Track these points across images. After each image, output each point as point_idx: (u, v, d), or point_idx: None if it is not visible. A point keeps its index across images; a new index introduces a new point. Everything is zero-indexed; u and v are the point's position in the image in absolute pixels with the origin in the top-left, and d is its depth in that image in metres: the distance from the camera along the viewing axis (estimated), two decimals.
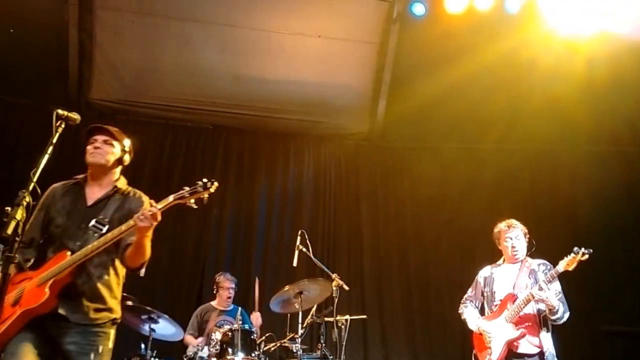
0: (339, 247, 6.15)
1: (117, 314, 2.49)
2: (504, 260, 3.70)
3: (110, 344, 2.44)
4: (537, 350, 3.35)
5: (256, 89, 6.23)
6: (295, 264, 4.50)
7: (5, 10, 5.26)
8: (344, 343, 4.34)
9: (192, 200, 2.31)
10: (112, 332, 2.46)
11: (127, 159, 2.65)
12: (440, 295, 6.02)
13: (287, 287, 4.35)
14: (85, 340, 2.34)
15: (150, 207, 2.28)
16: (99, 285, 2.42)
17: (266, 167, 6.37)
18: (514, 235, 3.60)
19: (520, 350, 3.37)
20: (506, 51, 5.77)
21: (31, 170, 2.27)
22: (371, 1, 5.78)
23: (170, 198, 2.30)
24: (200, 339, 4.61)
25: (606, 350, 5.63)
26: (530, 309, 3.42)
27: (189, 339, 4.73)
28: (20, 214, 1.98)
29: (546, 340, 3.38)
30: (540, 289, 3.27)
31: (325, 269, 4.56)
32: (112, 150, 2.57)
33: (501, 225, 3.67)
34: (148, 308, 4.20)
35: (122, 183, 2.65)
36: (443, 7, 5.49)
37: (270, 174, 6.35)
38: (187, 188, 2.31)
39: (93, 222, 2.45)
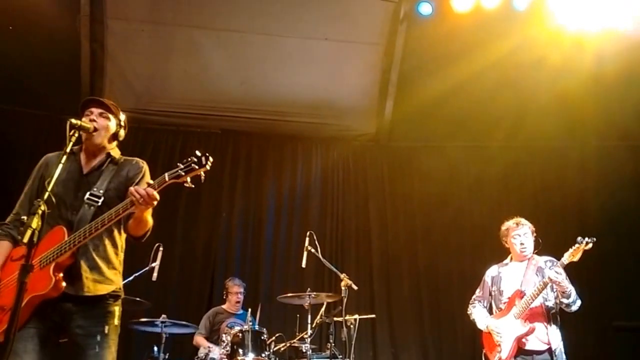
0: (348, 247, 6.20)
1: (117, 285, 2.40)
2: (511, 259, 3.71)
3: (116, 321, 2.37)
4: (546, 346, 3.36)
5: (264, 93, 6.31)
6: (304, 265, 4.55)
7: (18, 22, 5.39)
8: (353, 342, 4.37)
9: (189, 179, 2.19)
10: (117, 309, 2.39)
11: (122, 134, 2.57)
12: (450, 293, 6.03)
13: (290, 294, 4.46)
14: (89, 323, 2.29)
15: (146, 188, 2.18)
16: (96, 257, 2.35)
17: (274, 169, 6.45)
18: (522, 232, 3.61)
19: (529, 347, 3.37)
20: (513, 49, 5.74)
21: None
22: (377, 2, 5.79)
23: (166, 177, 2.19)
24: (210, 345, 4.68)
25: (616, 345, 5.58)
26: (539, 304, 3.43)
27: (200, 339, 4.84)
28: (36, 222, 1.98)
29: (555, 336, 3.39)
30: (557, 272, 3.28)
31: (334, 269, 4.62)
32: (108, 124, 2.49)
33: (509, 223, 3.68)
34: (160, 319, 4.30)
35: (116, 152, 2.56)
36: (450, 6, 5.47)
37: (279, 177, 6.43)
38: (181, 165, 2.18)
39: (88, 194, 2.37)
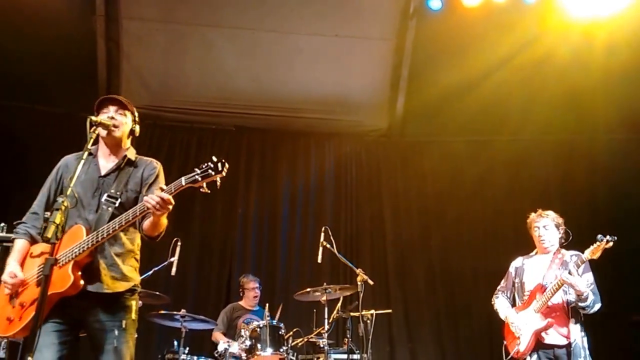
0: (362, 242, 6.22)
1: (135, 281, 2.46)
2: (536, 252, 3.63)
3: (134, 315, 2.42)
4: (565, 341, 3.31)
5: (276, 90, 6.35)
6: (319, 260, 4.55)
7: (35, 22, 5.46)
8: (370, 338, 4.37)
9: (205, 184, 2.21)
10: (134, 303, 2.44)
11: (137, 129, 2.64)
12: (466, 287, 6.03)
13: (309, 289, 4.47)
14: (108, 318, 2.33)
15: (160, 194, 2.20)
16: (114, 255, 2.40)
17: (288, 165, 6.49)
18: (542, 224, 3.54)
19: (548, 341, 3.34)
20: (523, 42, 5.74)
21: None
22: None
23: (183, 181, 2.21)
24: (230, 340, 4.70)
25: (637, 340, 5.53)
26: (559, 299, 3.37)
27: (218, 335, 4.86)
28: (59, 218, 2.03)
29: (575, 331, 3.32)
30: (570, 273, 3.22)
31: (350, 264, 4.60)
32: (125, 121, 2.56)
33: (532, 214, 3.62)
34: (180, 313, 4.33)
35: (132, 153, 2.60)
36: (459, 0, 5.47)
37: (292, 173, 6.46)
38: (197, 170, 2.20)
39: (105, 196, 2.42)
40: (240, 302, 5.16)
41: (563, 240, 3.55)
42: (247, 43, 6.06)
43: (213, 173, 2.18)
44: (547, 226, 3.54)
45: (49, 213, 2.35)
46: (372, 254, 6.17)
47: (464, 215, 6.29)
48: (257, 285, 5.14)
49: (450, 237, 6.24)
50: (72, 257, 2.27)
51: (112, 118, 2.51)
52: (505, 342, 3.57)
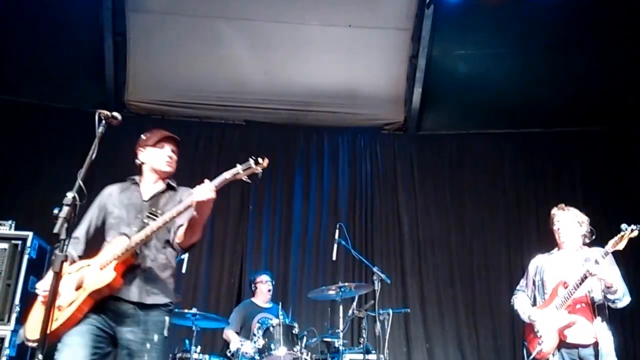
0: (378, 239, 6.03)
1: (170, 298, 2.55)
2: (558, 249, 3.52)
3: (166, 332, 2.50)
4: (591, 340, 3.17)
5: (288, 83, 6.18)
6: (334, 257, 4.48)
7: (43, 17, 5.39)
8: (387, 337, 4.27)
9: (246, 177, 2.41)
10: (167, 319, 2.52)
11: None
12: (485, 285, 5.84)
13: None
14: (141, 330, 2.41)
15: (206, 183, 2.36)
16: (152, 267, 2.51)
17: (300, 160, 6.32)
18: (561, 218, 3.43)
19: (571, 340, 3.20)
20: (546, 31, 5.54)
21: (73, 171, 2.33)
22: None
23: (227, 175, 2.40)
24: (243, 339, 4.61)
25: None
26: (583, 295, 3.24)
27: (231, 333, 4.75)
28: (68, 213, 2.05)
29: (602, 330, 3.17)
30: (597, 262, 3.06)
31: (365, 262, 4.54)
32: (176, 159, 2.79)
33: (553, 209, 3.52)
34: (192, 311, 4.24)
35: (173, 181, 2.80)
36: None
37: (305, 168, 6.29)
38: (239, 166, 2.40)
39: (147, 212, 2.56)
40: (253, 299, 5.03)
41: (587, 239, 3.41)
42: (257, 35, 5.92)
43: (254, 166, 2.38)
44: (567, 221, 3.42)
45: (58, 208, 2.32)
46: (388, 251, 5.99)
47: (483, 210, 6.10)
48: (269, 279, 5.02)
49: (469, 233, 6.05)
50: (114, 258, 2.39)
51: (171, 157, 2.74)
52: (525, 343, 3.45)
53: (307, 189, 6.19)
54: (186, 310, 4.24)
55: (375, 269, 4.26)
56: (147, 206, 2.61)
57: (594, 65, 5.68)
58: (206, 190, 2.34)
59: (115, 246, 2.44)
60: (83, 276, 2.43)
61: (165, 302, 2.51)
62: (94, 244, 2.65)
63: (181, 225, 2.51)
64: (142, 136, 2.78)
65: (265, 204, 6.09)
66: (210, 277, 5.74)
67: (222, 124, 6.37)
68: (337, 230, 4.45)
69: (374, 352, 4.33)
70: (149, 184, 2.72)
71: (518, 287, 3.68)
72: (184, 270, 4.27)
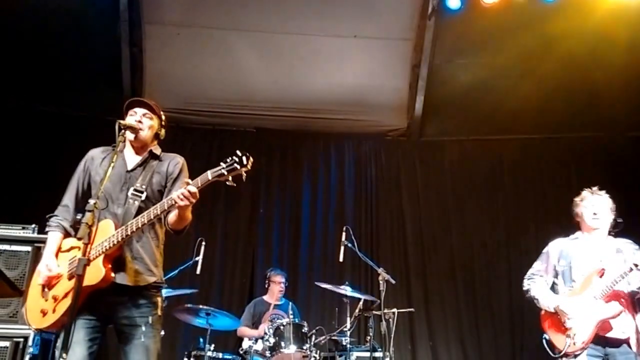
0: (383, 241, 6.23)
1: (159, 276, 2.52)
2: (581, 233, 3.29)
3: (160, 312, 2.49)
4: (625, 336, 2.93)
5: (296, 91, 6.41)
6: (341, 259, 4.59)
7: (63, 30, 5.63)
8: (392, 336, 4.40)
9: (230, 178, 2.25)
10: (159, 299, 2.51)
11: (163, 132, 2.70)
12: (487, 286, 6.01)
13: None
14: (135, 313, 2.40)
15: (188, 187, 2.26)
16: (140, 248, 2.46)
17: (308, 166, 6.54)
18: (596, 202, 3.21)
19: (610, 334, 2.93)
20: (543, 40, 5.69)
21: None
22: None
23: (209, 175, 2.26)
24: (261, 327, 4.72)
25: None
26: (623, 287, 3.01)
27: (246, 330, 4.89)
28: (91, 219, 2.13)
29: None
30: None
31: (371, 264, 4.65)
32: (151, 124, 2.62)
33: (584, 192, 3.30)
34: (205, 307, 4.42)
35: (157, 149, 2.68)
36: None
37: (312, 173, 6.51)
38: (223, 164, 2.24)
39: (132, 189, 2.49)
40: (264, 297, 5.18)
41: (611, 228, 3.24)
42: (266, 46, 6.15)
43: (239, 167, 2.22)
44: (602, 206, 3.21)
45: (80, 214, 2.46)
46: (393, 253, 6.19)
47: (484, 213, 6.28)
48: (284, 280, 5.16)
49: (470, 236, 6.22)
50: (102, 251, 2.33)
51: (140, 121, 2.59)
52: (547, 336, 3.12)
53: (314, 192, 6.40)
54: (200, 307, 4.42)
55: (380, 270, 4.38)
56: (131, 178, 2.54)
57: (595, 71, 5.83)
58: (189, 197, 2.26)
59: (102, 236, 2.34)
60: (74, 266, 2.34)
61: (153, 281, 2.47)
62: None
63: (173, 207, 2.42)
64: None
65: (275, 207, 6.32)
66: (222, 278, 5.95)
67: (233, 131, 6.59)
68: (343, 233, 4.57)
69: (380, 350, 4.48)
70: (132, 154, 2.62)
71: (534, 272, 3.35)
72: (198, 272, 4.47)
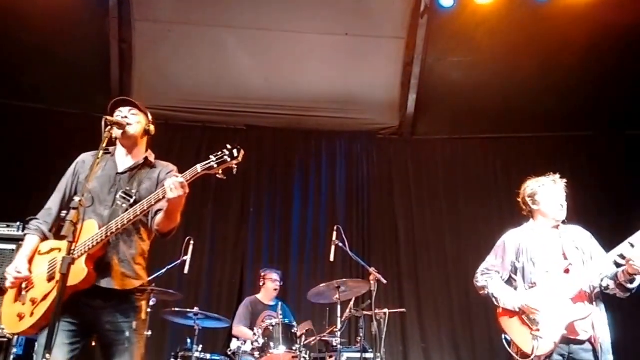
0: (375, 240, 6.19)
1: (143, 280, 2.48)
2: (535, 224, 3.08)
3: (144, 316, 2.44)
4: (587, 335, 2.75)
5: (287, 89, 6.37)
6: (332, 259, 4.53)
7: (51, 26, 5.56)
8: (384, 337, 4.36)
9: (220, 171, 2.24)
10: (144, 303, 2.46)
11: (152, 129, 2.67)
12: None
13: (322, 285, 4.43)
14: (119, 319, 2.35)
15: (178, 178, 2.24)
16: (126, 252, 2.41)
17: (299, 164, 6.49)
18: (555, 190, 3.02)
19: (575, 335, 2.74)
20: (535, 38, 5.68)
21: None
22: None
23: (198, 168, 2.23)
24: (256, 328, 4.60)
25: None
26: (586, 286, 2.83)
27: (244, 330, 4.77)
28: (75, 217, 2.09)
29: (600, 323, 2.78)
30: (632, 246, 2.62)
31: (362, 263, 4.60)
32: (138, 119, 2.60)
33: (544, 180, 3.08)
34: (194, 310, 4.35)
35: (151, 155, 2.66)
36: None
37: (304, 171, 6.46)
38: (213, 157, 2.23)
39: (121, 192, 2.43)
40: (258, 296, 5.10)
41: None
42: (258, 43, 6.10)
43: (229, 159, 2.21)
44: (560, 193, 3.02)
45: (65, 212, 2.38)
46: (385, 252, 6.14)
47: (477, 213, 6.24)
48: (279, 279, 5.10)
49: (463, 235, 6.18)
50: (85, 250, 2.27)
51: (125, 117, 2.57)
52: (508, 337, 2.86)
53: (305, 191, 6.35)
54: (188, 310, 4.37)
55: (371, 270, 4.33)
56: (121, 180, 2.50)
57: (585, 70, 5.83)
58: (178, 188, 2.22)
59: (86, 236, 2.29)
60: (56, 267, 2.29)
61: (138, 285, 2.42)
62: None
63: (160, 210, 2.41)
64: None
65: (265, 206, 6.26)
66: (212, 278, 5.88)
67: (223, 129, 6.53)
68: (334, 232, 4.51)
69: (370, 351, 4.44)
70: (123, 155, 2.59)
71: (488, 267, 3.13)
72: (186, 271, 4.40)
